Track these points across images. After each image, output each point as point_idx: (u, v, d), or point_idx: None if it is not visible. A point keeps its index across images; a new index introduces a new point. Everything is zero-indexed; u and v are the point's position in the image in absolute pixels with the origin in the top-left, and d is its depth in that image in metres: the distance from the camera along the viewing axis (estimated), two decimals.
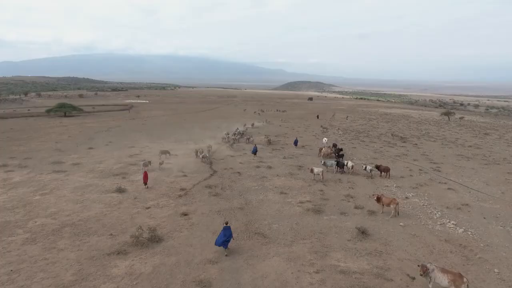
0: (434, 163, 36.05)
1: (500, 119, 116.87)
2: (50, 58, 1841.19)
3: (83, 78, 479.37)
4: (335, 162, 29.98)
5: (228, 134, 52.93)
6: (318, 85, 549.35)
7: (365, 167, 28.35)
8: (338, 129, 65.49)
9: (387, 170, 27.98)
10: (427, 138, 55.39)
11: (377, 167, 28.35)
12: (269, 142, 46.20)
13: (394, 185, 26.58)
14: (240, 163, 33.39)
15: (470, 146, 48.28)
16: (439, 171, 32.14)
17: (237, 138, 49.05)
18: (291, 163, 33.72)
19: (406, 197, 23.57)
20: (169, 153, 36.77)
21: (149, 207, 20.60)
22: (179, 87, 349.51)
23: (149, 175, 28.51)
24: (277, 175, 28.95)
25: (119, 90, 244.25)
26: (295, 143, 46.35)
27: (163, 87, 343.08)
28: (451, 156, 40.38)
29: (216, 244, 15.67)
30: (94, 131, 55.51)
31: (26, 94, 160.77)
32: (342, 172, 29.61)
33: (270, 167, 31.61)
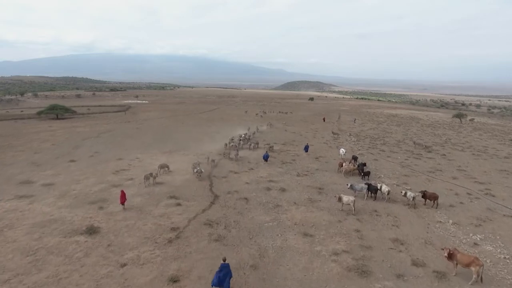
0: (480, 182, 30.03)
1: (509, 120, 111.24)
2: (49, 58, 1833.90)
3: (82, 78, 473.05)
4: (366, 186, 24.07)
5: (233, 139, 47.85)
6: (318, 85, 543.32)
7: (405, 193, 22.55)
8: (350, 134, 59.68)
9: (434, 198, 22.13)
10: (452, 146, 49.54)
11: (423, 194, 22.44)
12: (272, 149, 41.50)
13: (450, 221, 20.43)
14: (247, 183, 27.50)
15: (507, 158, 42.34)
16: (493, 196, 26.07)
17: (241, 144, 43.92)
18: (308, 183, 27.85)
19: (475, 243, 17.49)
20: (167, 167, 31.13)
21: (125, 264, 14.56)
22: (178, 87, 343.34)
23: (136, 200, 22.96)
24: (295, 203, 23.00)
25: (117, 90, 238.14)
26: (306, 149, 42.41)
27: (162, 87, 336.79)
28: (494, 172, 34.33)
29: (212, 285, 12.90)
30: (83, 137, 49.75)
31: (22, 94, 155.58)
32: (375, 199, 23.75)
33: (283, 190, 25.71)
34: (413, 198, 22.08)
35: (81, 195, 23.91)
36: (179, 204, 22.03)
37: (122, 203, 21.56)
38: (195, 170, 29.11)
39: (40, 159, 35.98)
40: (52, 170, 31.47)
